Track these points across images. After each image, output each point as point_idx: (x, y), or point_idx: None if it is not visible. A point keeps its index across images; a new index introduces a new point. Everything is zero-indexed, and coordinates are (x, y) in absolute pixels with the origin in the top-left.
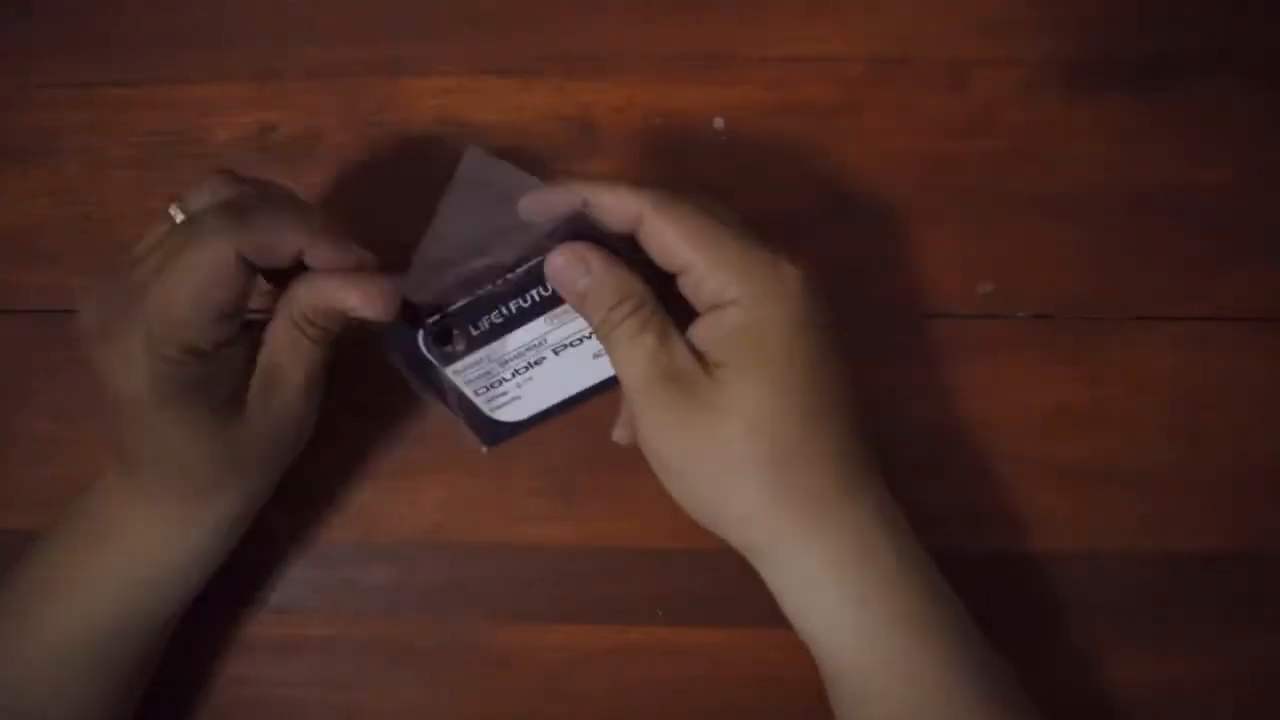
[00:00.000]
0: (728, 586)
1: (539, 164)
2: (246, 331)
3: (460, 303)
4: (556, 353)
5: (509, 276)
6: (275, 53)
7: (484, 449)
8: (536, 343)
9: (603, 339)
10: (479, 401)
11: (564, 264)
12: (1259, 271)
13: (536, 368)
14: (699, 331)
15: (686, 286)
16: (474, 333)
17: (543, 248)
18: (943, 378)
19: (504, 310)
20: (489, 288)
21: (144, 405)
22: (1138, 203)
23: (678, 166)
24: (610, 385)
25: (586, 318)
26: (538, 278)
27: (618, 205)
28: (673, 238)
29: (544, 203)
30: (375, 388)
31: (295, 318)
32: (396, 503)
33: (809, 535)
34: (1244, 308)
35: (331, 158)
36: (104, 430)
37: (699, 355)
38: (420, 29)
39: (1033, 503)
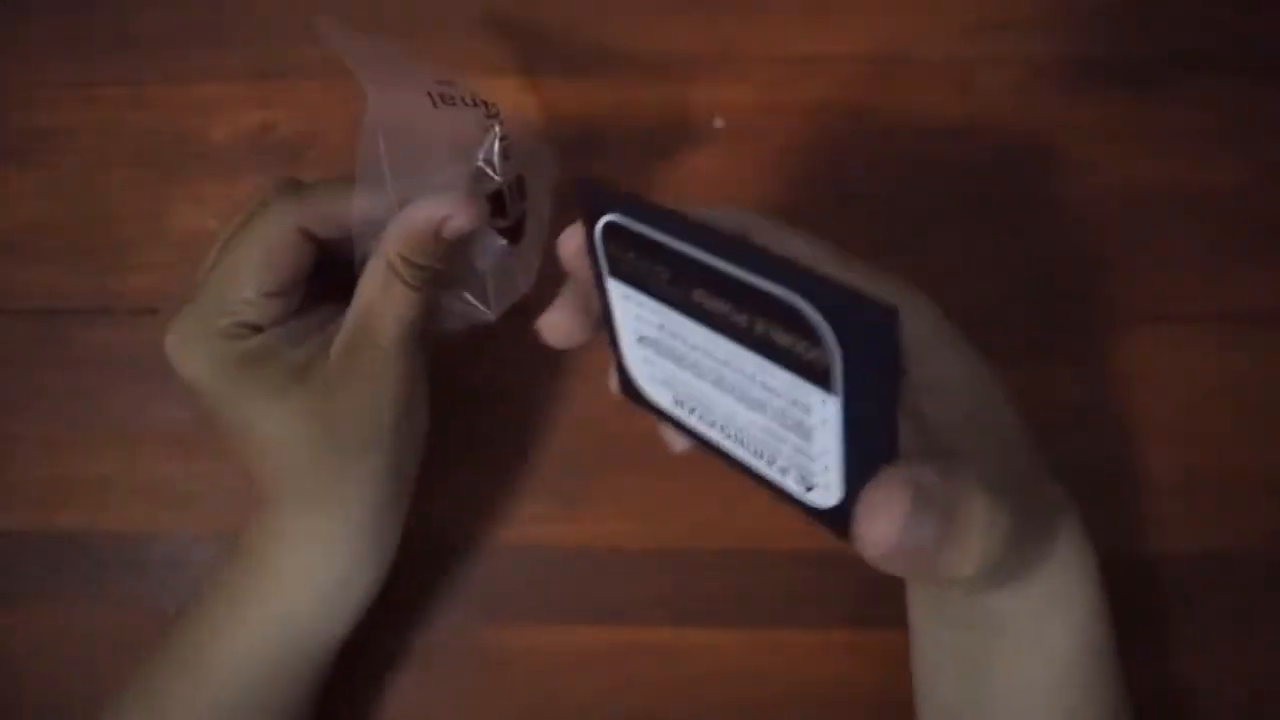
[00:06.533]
0: (729, 587)
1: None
2: (311, 308)
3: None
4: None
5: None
6: (275, 53)
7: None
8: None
9: None
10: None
11: None
12: (1260, 271)
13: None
14: None
15: None
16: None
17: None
18: None
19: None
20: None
21: (208, 389)
22: (1138, 203)
23: (678, 166)
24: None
25: None
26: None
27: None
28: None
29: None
30: None
31: (389, 258)
32: None
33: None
34: (1244, 308)
35: (331, 158)
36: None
37: None
38: (420, 29)
39: None
